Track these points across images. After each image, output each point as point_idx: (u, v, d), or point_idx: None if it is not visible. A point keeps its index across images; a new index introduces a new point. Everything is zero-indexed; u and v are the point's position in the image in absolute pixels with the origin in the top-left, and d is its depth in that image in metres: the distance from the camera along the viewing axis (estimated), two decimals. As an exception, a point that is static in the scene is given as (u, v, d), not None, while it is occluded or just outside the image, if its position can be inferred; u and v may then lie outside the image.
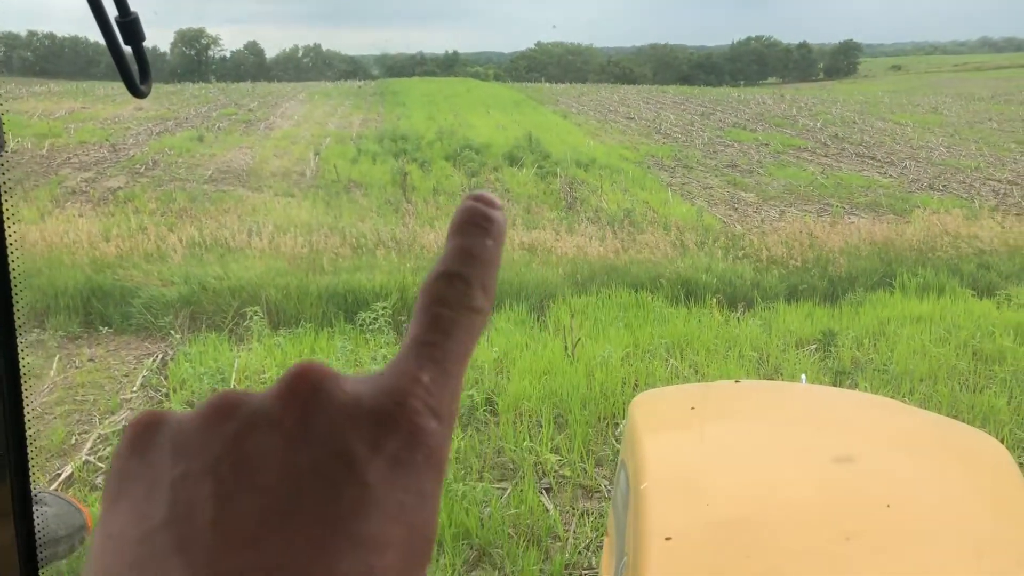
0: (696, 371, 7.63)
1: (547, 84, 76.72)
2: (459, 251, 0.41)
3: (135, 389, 6.89)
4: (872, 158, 26.53)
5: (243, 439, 0.36)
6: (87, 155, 22.08)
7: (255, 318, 8.16)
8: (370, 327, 8.20)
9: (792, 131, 33.38)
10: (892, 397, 6.86)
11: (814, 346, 8.43)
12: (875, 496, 2.01)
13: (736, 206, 18.54)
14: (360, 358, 7.53)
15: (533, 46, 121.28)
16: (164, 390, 6.88)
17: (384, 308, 8.39)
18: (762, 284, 10.32)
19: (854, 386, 7.11)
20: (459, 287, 0.40)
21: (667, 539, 1.87)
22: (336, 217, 15.10)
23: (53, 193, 16.54)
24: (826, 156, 26.77)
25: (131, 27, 1.45)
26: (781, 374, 7.58)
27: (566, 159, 23.34)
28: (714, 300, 9.63)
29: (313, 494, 0.34)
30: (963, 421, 6.36)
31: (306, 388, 0.36)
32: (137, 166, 20.43)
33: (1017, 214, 17.37)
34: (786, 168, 23.85)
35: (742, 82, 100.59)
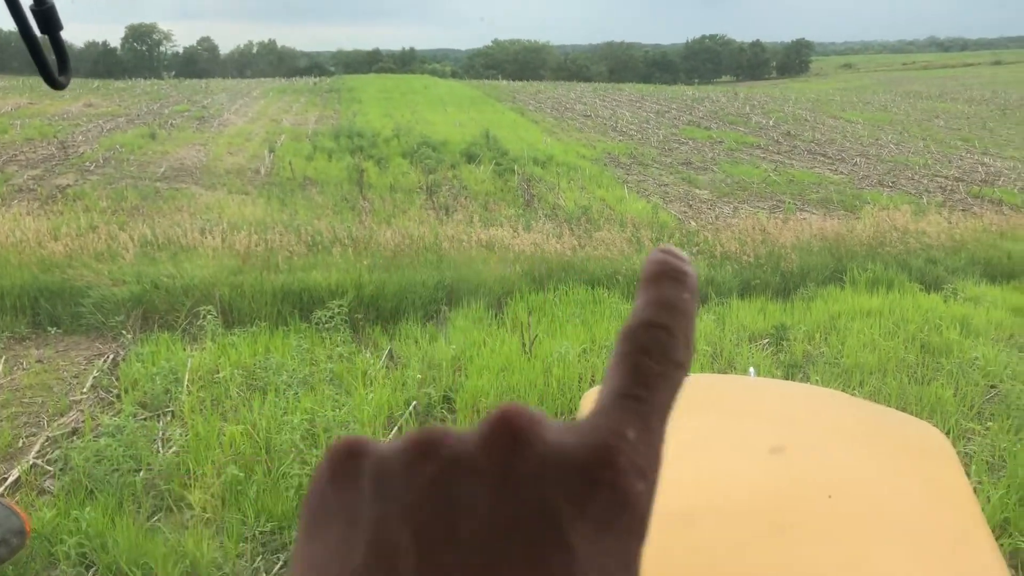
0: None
1: (504, 81, 76.76)
2: (660, 303, 0.40)
3: (85, 390, 6.77)
4: (823, 155, 26.96)
5: (444, 484, 0.34)
6: (34, 152, 21.60)
7: (209, 317, 8.05)
8: (325, 325, 8.14)
9: (745, 129, 33.79)
10: (843, 389, 7.00)
11: (767, 340, 8.56)
12: (817, 487, 2.03)
13: (691, 203, 18.73)
14: (316, 356, 7.48)
15: (490, 43, 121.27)
16: (115, 391, 6.76)
17: (340, 306, 8.34)
18: (716, 280, 10.43)
19: (805, 379, 7.23)
20: (663, 339, 0.38)
21: None
22: (291, 215, 14.95)
23: (-1, 191, 16.18)
24: (779, 153, 27.14)
25: (47, 15, 1.36)
26: (735, 368, 7.68)
27: (524, 156, 23.38)
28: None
29: (517, 553, 0.32)
30: (911, 412, 6.51)
31: (510, 435, 0.35)
32: (87, 164, 20.03)
33: (963, 210, 17.78)
34: (739, 165, 24.14)
35: (697, 80, 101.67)
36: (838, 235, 12.47)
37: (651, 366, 0.38)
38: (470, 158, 23.08)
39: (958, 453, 5.93)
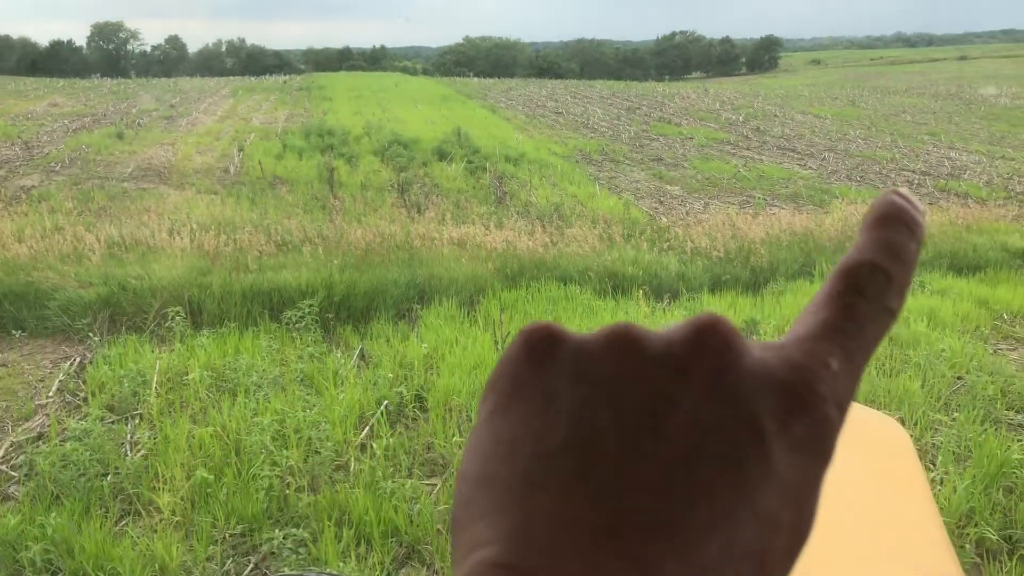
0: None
1: (476, 79, 76.64)
2: (885, 245, 0.39)
3: (51, 394, 6.67)
4: (793, 150, 27.19)
5: (649, 378, 0.34)
6: (-2, 153, 21.30)
7: (177, 318, 7.96)
8: (296, 325, 8.09)
9: (716, 125, 33.99)
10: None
11: (738, 335, 8.62)
12: None
13: (662, 199, 18.81)
14: (286, 357, 7.42)
15: (462, 41, 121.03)
16: (82, 394, 6.67)
17: (311, 306, 8.28)
18: (687, 275, 10.49)
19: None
20: (881, 282, 0.38)
21: None
22: (261, 214, 14.83)
23: (-39, 193, 15.91)
24: (748, 149, 27.33)
25: None
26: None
27: (495, 154, 23.35)
28: (640, 292, 9.76)
29: (718, 456, 0.33)
30: (880, 404, 6.58)
31: (718, 342, 0.35)
32: (52, 164, 19.76)
33: (930, 203, 18.00)
34: (710, 161, 24.27)
35: (667, 77, 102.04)
36: (807, 229, 12.58)
37: (864, 306, 0.38)
38: (442, 156, 23.03)
39: (927, 445, 6.01)
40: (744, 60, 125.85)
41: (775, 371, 0.35)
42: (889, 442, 2.15)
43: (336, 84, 55.85)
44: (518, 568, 0.31)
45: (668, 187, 20.41)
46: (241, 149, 23.07)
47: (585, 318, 8.88)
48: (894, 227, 0.40)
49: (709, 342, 0.35)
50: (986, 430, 6.13)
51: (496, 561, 0.32)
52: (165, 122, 30.50)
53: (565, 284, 10.05)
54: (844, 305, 0.38)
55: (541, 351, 0.37)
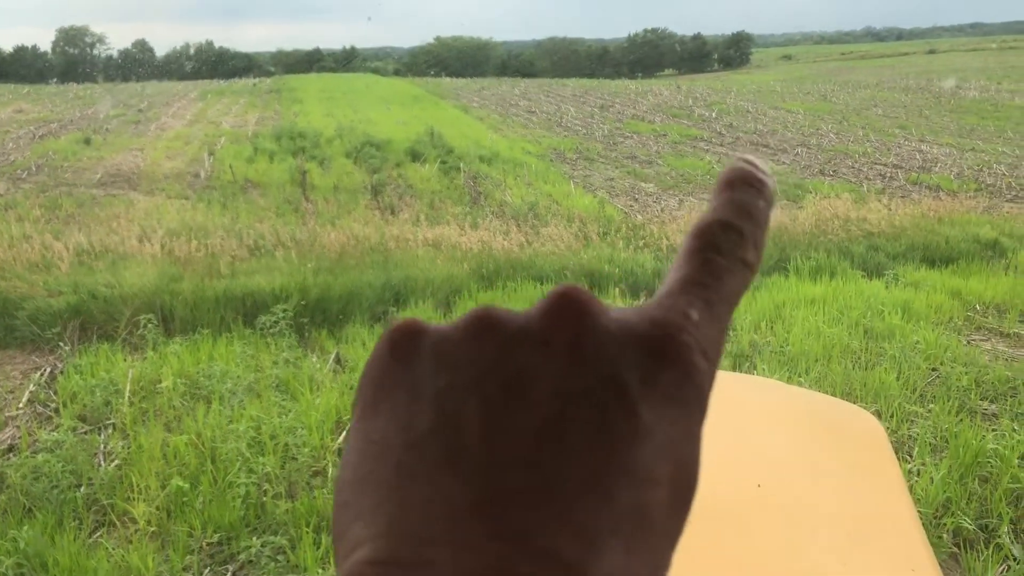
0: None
1: (448, 79, 76.51)
2: (734, 204, 0.41)
3: (21, 406, 6.55)
4: (765, 146, 27.36)
5: (510, 355, 0.35)
6: (-37, 161, 20.95)
7: (149, 326, 7.86)
8: (270, 330, 8.01)
9: (689, 121, 34.12)
10: (788, 377, 7.09)
11: (714, 331, 8.64)
12: (746, 476, 2.03)
13: (637, 196, 18.85)
14: (261, 363, 7.34)
15: (432, 40, 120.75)
16: (54, 405, 6.55)
17: (284, 311, 8.20)
18: (663, 272, 10.50)
19: (752, 368, 7.31)
20: (733, 238, 0.39)
21: None
22: (233, 218, 14.70)
23: (-74, 202, 15.64)
24: (722, 145, 27.46)
25: None
26: (684, 360, 7.74)
27: (469, 154, 23.31)
28: (617, 290, 9.76)
29: (585, 419, 0.33)
30: (856, 398, 6.62)
31: (574, 309, 0.35)
32: (19, 172, 19.48)
33: (902, 196, 18.17)
34: (684, 158, 24.36)
35: (639, 74, 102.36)
36: (781, 225, 12.63)
37: (720, 260, 0.39)
38: (415, 156, 22.95)
39: (904, 437, 6.05)
40: (716, 56, 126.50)
41: (635, 328, 0.36)
42: (865, 435, 2.32)
43: (307, 86, 55.53)
44: (390, 562, 0.31)
45: (642, 184, 20.46)
46: (211, 153, 22.87)
47: (562, 317, 8.87)
48: (742, 188, 0.41)
49: (566, 311, 0.35)
50: (961, 420, 6.18)
51: (369, 559, 0.31)
52: (133, 127, 30.17)
53: (541, 283, 10.03)
54: (701, 260, 0.39)
55: (404, 347, 0.37)
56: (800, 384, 6.80)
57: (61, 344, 7.63)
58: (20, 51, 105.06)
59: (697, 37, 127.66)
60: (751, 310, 9.19)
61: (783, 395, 2.79)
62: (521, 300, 9.47)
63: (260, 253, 11.50)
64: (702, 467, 1.09)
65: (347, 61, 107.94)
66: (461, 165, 21.38)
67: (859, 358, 7.67)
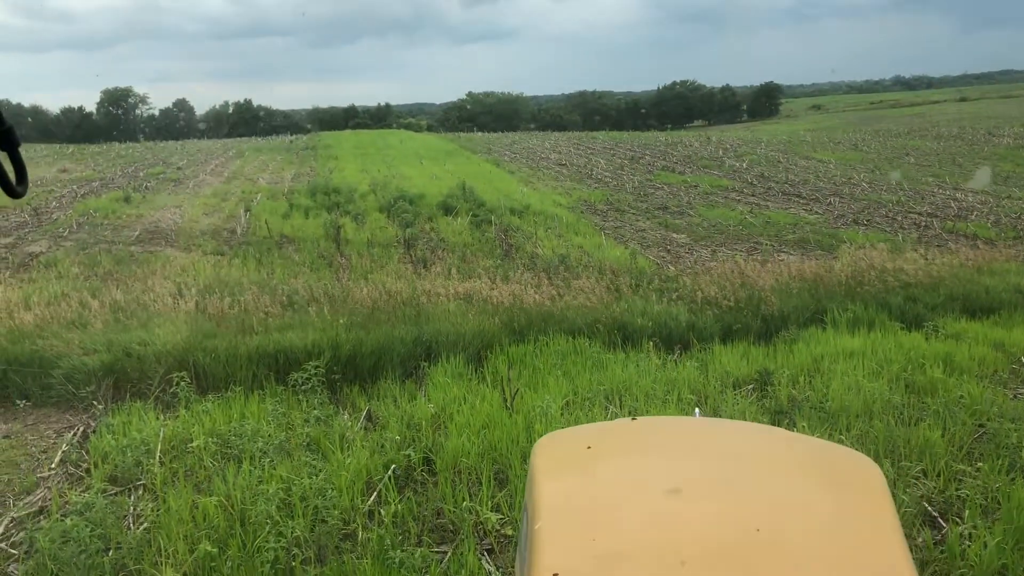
0: (635, 417, 7.58)
1: (479, 133, 77.36)
2: None
3: (53, 466, 6.55)
4: (798, 196, 27.20)
5: None
6: (6, 220, 21.40)
7: (182, 384, 7.86)
8: (302, 387, 7.97)
9: (719, 172, 34.10)
10: (829, 434, 6.89)
11: (751, 386, 8.46)
12: (748, 521, 2.12)
13: (669, 247, 18.75)
14: (292, 420, 7.29)
15: (464, 96, 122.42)
16: (85, 465, 6.55)
17: (316, 367, 8.17)
18: (697, 325, 10.36)
19: (792, 426, 7.12)
20: None
21: (554, 575, 1.99)
22: (268, 274, 14.81)
23: (-31, 261, 15.96)
24: (753, 196, 27.35)
25: (6, 135, 1.71)
26: (720, 415, 7.56)
27: (500, 207, 23.42)
28: (651, 343, 9.63)
29: None
30: (900, 455, 6.40)
31: None
32: (60, 230, 19.85)
33: (938, 246, 17.90)
34: (715, 209, 24.28)
35: (669, 126, 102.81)
36: (816, 276, 12.46)
37: None
38: (447, 210, 23.10)
39: (951, 497, 5.82)
40: (745, 107, 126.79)
41: None
42: (863, 480, 2.38)
43: (342, 142, 56.42)
44: None
45: (674, 235, 20.36)
46: (248, 209, 23.18)
47: (595, 372, 8.74)
48: None
49: None
50: (1013, 480, 5.95)
51: None
52: (172, 184, 30.75)
53: (573, 337, 9.93)
54: None
55: None
56: (841, 442, 6.60)
57: (95, 403, 7.65)
58: (67, 112, 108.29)
59: (726, 88, 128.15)
60: (788, 364, 9.01)
61: (784, 441, 2.94)
62: (553, 354, 9.37)
63: (293, 308, 11.55)
64: (712, 512, 1.69)
65: (381, 118, 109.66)
66: (492, 218, 21.46)
67: (901, 414, 7.45)
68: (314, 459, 6.36)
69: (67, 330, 9.26)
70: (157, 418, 7.42)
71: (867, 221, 22.39)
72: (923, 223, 21.58)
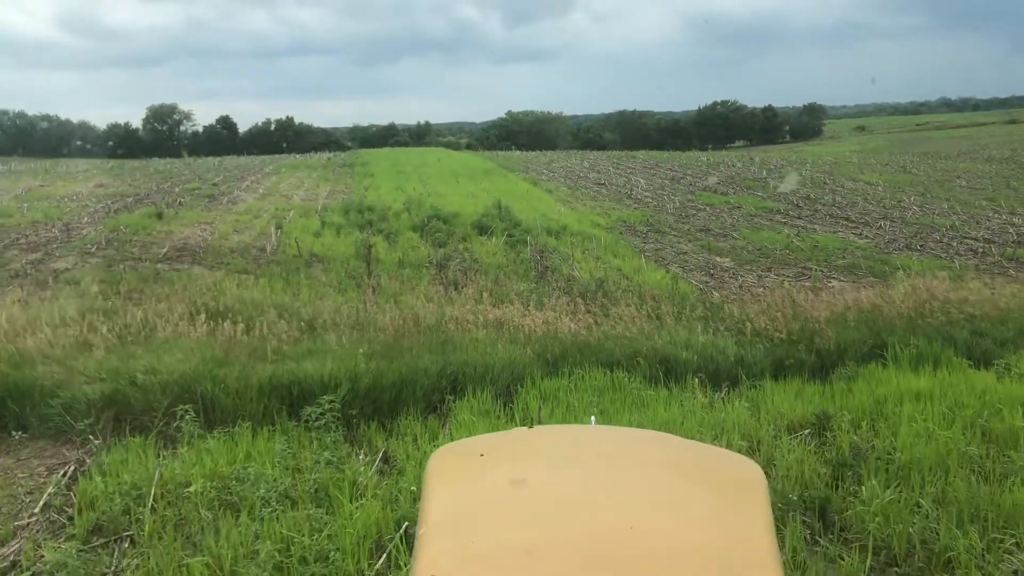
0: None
1: (518, 152, 76.96)
2: None
3: (36, 511, 5.95)
4: (846, 219, 26.18)
5: None
6: (37, 235, 21.18)
7: (186, 418, 7.25)
8: (315, 423, 7.32)
9: (763, 194, 33.14)
10: (900, 491, 6.09)
11: (808, 430, 7.66)
12: (624, 519, 2.19)
13: (712, 272, 17.94)
14: (301, 462, 6.63)
15: (504, 115, 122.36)
16: (69, 512, 5.93)
17: (331, 402, 7.52)
18: (746, 359, 9.56)
19: (857, 482, 6.31)
20: None
21: None
22: (294, 294, 14.27)
23: (-6, 277, 15.65)
24: (799, 218, 26.41)
25: None
26: (775, 465, 6.79)
27: (537, 227, 22.76)
28: (696, 380, 8.85)
29: None
30: (990, 524, 5.57)
31: None
32: (88, 246, 19.54)
33: (999, 274, 16.88)
34: (760, 231, 23.39)
35: (709, 146, 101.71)
36: (874, 306, 11.58)
37: None
38: (482, 230, 22.49)
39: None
40: (787, 128, 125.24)
41: None
42: (743, 483, 2.42)
43: (379, 160, 56.27)
44: None
45: (718, 259, 19.53)
46: (279, 227, 22.76)
47: (635, 411, 8.00)
48: None
49: None
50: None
51: None
52: (207, 201, 30.53)
53: (611, 370, 9.19)
54: None
55: None
56: (918, 504, 5.80)
57: (91, 437, 7.06)
58: (113, 128, 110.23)
59: (768, 109, 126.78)
60: (848, 405, 8.18)
61: (673, 447, 2.97)
62: (589, 389, 8.64)
63: (314, 332, 10.96)
64: (590, 514, 2.32)
65: (421, 136, 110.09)
66: (528, 238, 20.79)
67: (982, 468, 6.60)
68: (320, 511, 5.68)
69: (74, 354, 8.71)
70: (157, 455, 6.82)
71: (920, 246, 21.38)
72: (980, 249, 20.52)
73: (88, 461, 6.76)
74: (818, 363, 9.81)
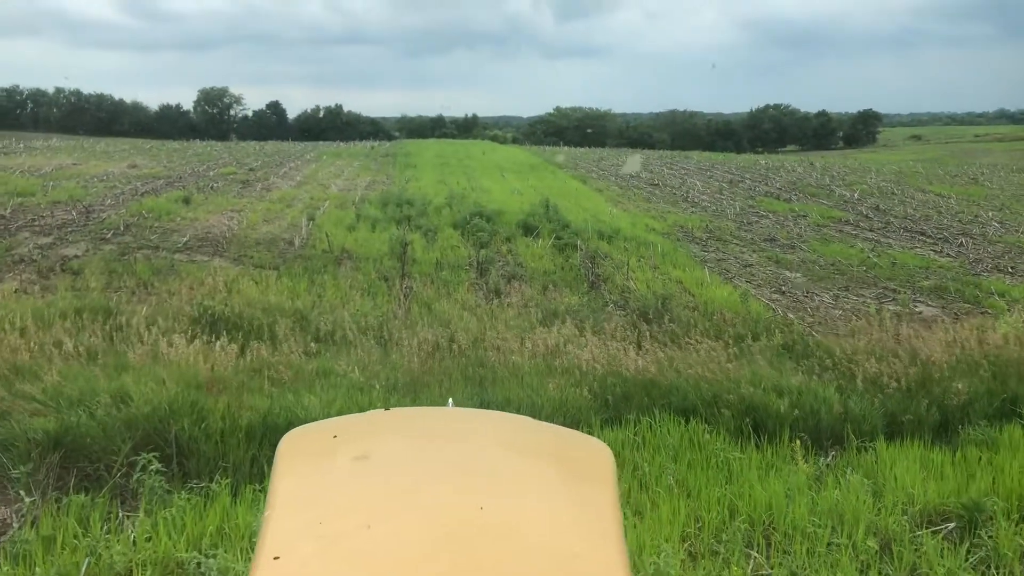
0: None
1: (565, 147, 75.12)
2: None
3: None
4: (922, 234, 24.04)
5: None
6: (54, 217, 19.86)
7: (150, 469, 5.65)
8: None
9: (829, 202, 30.98)
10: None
11: (952, 523, 5.84)
12: (474, 500, 2.17)
13: (782, 288, 16.05)
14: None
15: (552, 111, 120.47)
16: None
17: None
18: (853, 413, 7.73)
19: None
20: None
21: (275, 558, 1.91)
22: (317, 297, 12.69)
23: (-3, 261, 14.33)
24: (871, 230, 24.32)
25: None
26: (919, 579, 5.00)
27: (587, 229, 20.98)
28: (797, 442, 7.03)
29: None
30: None
31: None
32: (105, 231, 18.15)
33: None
34: (831, 243, 21.39)
35: (760, 149, 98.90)
36: (997, 347, 9.66)
37: None
38: (527, 230, 20.74)
39: None
40: (841, 134, 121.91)
41: None
42: (592, 463, 2.53)
43: (423, 151, 54.79)
44: None
45: (787, 273, 17.60)
46: (311, 219, 21.23)
47: (721, 481, 6.24)
48: None
49: None
50: None
51: None
52: (240, 186, 29.15)
53: (687, 420, 7.43)
54: None
55: None
56: None
57: (21, 493, 5.46)
58: (165, 110, 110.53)
59: (822, 114, 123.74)
60: (998, 484, 6.34)
61: (526, 429, 2.92)
62: (661, 448, 6.90)
63: (329, 343, 9.37)
64: (438, 493, 2.17)
65: (468, 128, 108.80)
66: (578, 242, 19.02)
67: None
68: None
69: (27, 372, 7.15)
70: (105, 521, 5.21)
71: (1011, 268, 19.26)
72: (1082, 275, 18.35)
73: (9, 531, 5.15)
74: (940, 420, 7.95)
